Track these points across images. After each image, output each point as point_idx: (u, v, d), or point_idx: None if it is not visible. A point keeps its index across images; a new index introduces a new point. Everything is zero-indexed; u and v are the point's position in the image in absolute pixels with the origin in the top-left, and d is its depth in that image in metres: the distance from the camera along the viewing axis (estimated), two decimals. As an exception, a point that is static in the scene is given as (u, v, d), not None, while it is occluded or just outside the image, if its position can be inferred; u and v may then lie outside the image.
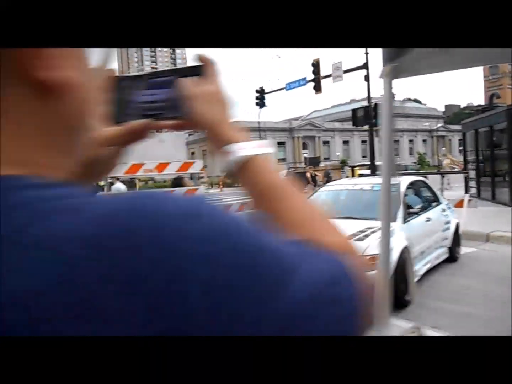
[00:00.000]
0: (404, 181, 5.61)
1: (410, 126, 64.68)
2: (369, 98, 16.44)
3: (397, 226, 4.71)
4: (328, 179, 15.16)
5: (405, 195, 5.26)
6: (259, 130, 47.00)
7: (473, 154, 13.92)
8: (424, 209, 5.49)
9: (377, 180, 6.12)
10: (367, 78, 16.42)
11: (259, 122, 46.63)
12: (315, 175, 15.41)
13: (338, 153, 56.43)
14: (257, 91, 21.74)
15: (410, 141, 67.26)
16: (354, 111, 16.57)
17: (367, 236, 4.32)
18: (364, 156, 50.17)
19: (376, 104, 16.07)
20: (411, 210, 5.08)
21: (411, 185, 5.69)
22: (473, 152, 13.87)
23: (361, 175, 15.13)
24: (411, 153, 65.54)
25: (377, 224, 4.62)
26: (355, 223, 4.72)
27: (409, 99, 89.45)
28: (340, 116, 66.39)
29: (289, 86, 20.71)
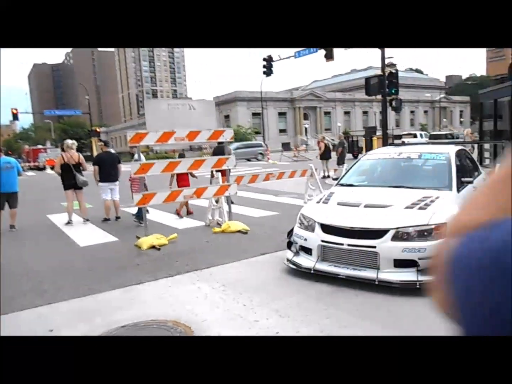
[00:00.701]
0: (452, 150, 5.45)
1: (411, 97, 63.91)
2: (383, 66, 16.03)
3: (453, 195, 4.59)
4: (343, 150, 14.94)
5: (456, 164, 5.12)
6: (261, 100, 46.30)
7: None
8: (470, 177, 5.36)
9: (423, 148, 5.95)
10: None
11: (261, 92, 45.87)
12: (328, 145, 15.16)
13: (339, 124, 55.93)
14: (264, 59, 21.19)
15: (412, 112, 66.68)
16: (367, 79, 16.17)
17: (427, 205, 4.19)
18: (364, 127, 49.71)
19: (390, 73, 15.69)
20: (463, 179, 4.93)
21: (458, 154, 5.52)
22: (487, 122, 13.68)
23: (391, 144, 14.90)
24: (412, 124, 65.10)
25: (432, 193, 4.50)
26: (409, 192, 4.59)
27: (411, 69, 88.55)
28: (341, 86, 65.46)
29: (299, 54, 20.18)
